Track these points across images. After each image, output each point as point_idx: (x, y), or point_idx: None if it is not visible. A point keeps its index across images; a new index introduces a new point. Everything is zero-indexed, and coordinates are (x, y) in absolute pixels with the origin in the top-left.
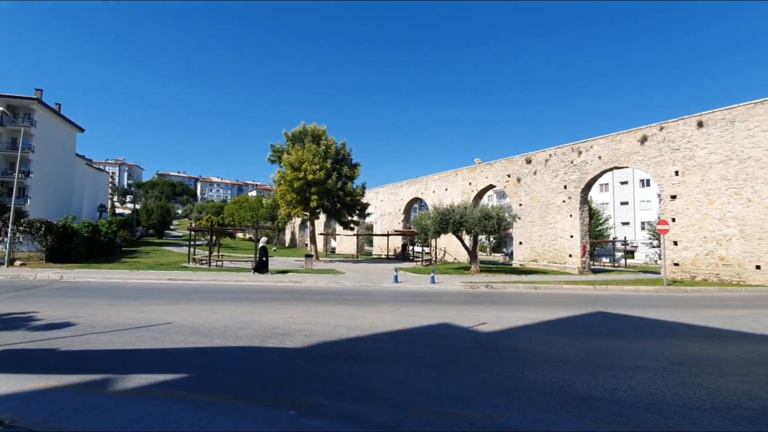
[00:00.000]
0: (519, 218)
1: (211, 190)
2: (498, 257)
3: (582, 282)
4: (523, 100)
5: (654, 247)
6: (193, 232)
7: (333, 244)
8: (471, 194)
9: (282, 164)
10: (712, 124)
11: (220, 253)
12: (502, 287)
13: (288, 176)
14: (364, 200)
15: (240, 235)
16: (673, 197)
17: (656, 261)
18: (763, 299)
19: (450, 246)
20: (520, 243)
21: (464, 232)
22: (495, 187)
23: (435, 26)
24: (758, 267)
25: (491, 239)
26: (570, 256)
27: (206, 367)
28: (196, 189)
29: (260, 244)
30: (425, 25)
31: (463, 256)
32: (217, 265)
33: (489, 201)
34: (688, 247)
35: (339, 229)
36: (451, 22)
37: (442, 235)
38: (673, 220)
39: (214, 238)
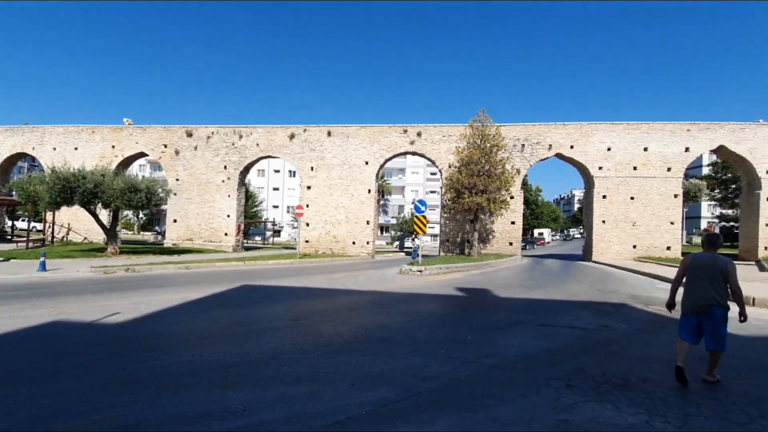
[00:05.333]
0: (175, 194)
1: None
2: (148, 236)
3: (234, 259)
4: (187, 67)
5: (294, 227)
6: None
7: None
8: (114, 160)
9: None
10: (337, 135)
11: None
12: (147, 270)
13: None
14: None
15: None
16: (309, 187)
17: (295, 239)
18: (355, 265)
19: (79, 222)
20: (175, 221)
21: (100, 205)
22: (148, 156)
23: None
24: (354, 242)
25: (141, 216)
26: (226, 234)
27: None
28: None
29: None
30: None
31: (99, 236)
32: None
33: (141, 172)
34: (315, 228)
35: None
36: None
37: (68, 208)
38: (308, 205)
39: None
